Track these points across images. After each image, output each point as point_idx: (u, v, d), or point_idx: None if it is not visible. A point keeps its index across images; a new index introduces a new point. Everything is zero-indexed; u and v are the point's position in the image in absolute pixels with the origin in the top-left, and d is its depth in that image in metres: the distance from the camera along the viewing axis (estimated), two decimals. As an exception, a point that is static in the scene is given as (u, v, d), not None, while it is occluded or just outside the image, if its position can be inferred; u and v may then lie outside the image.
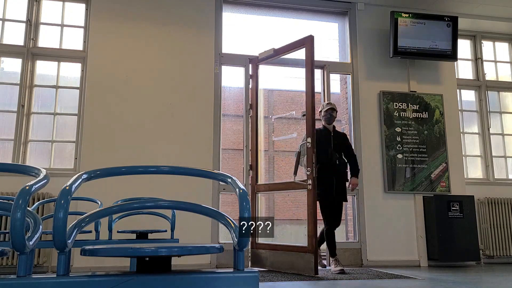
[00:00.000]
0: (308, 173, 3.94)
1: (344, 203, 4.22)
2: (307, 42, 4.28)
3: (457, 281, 3.38)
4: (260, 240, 4.38)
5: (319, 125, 4.33)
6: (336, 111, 4.34)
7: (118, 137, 4.38)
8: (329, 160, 4.15)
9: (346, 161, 4.26)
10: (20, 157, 4.32)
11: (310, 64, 4.19)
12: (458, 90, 5.61)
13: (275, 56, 4.60)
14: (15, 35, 4.57)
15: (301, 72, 4.58)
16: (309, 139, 3.98)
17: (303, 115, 4.19)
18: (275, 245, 4.26)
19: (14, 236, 1.00)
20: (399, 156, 4.93)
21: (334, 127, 4.34)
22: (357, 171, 4.30)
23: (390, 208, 4.83)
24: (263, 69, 4.91)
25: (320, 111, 4.37)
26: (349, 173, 4.28)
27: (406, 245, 4.78)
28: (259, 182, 4.54)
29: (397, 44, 5.00)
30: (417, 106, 5.10)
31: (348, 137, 4.55)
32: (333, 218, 4.09)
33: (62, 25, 4.70)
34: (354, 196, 4.83)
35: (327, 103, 4.34)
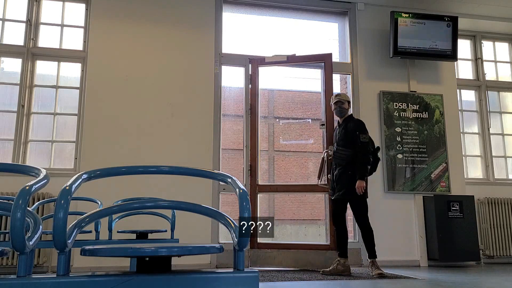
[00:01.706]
0: (330, 178, 4.24)
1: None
2: (327, 59, 4.62)
3: (457, 281, 3.38)
4: (269, 240, 4.48)
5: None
6: (348, 102, 4.07)
7: (118, 137, 4.38)
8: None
9: (349, 154, 3.89)
10: (20, 157, 4.32)
11: (330, 79, 4.57)
12: (458, 90, 5.61)
13: (286, 63, 4.79)
14: (15, 35, 4.57)
15: (302, 72, 4.61)
16: (330, 147, 4.30)
17: (322, 125, 4.44)
18: (292, 244, 4.42)
19: (14, 236, 1.00)
20: (399, 156, 4.93)
21: (349, 117, 4.06)
22: (360, 171, 3.79)
23: (390, 208, 4.83)
24: (263, 69, 4.91)
25: (331, 105, 4.19)
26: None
27: (406, 245, 4.78)
28: (259, 183, 4.57)
29: (397, 44, 5.00)
30: (417, 106, 5.10)
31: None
32: (357, 217, 3.89)
33: (62, 25, 4.70)
34: (354, 196, 4.82)
35: (335, 95, 4.09)
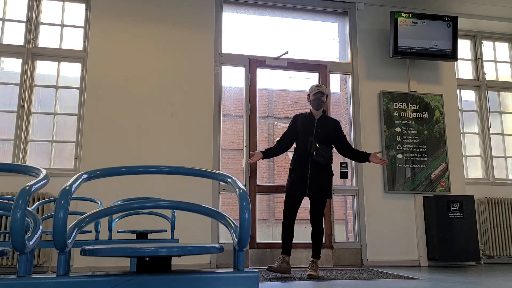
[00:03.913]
0: None
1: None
2: (322, 70, 4.82)
3: (457, 281, 3.38)
4: (269, 240, 4.51)
5: (307, 109, 3.99)
6: (327, 96, 3.91)
7: (118, 137, 4.38)
8: (307, 150, 3.75)
9: (330, 154, 3.78)
10: (20, 157, 4.32)
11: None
12: (458, 90, 5.61)
13: (285, 68, 4.92)
14: (15, 35, 4.57)
15: (302, 72, 4.68)
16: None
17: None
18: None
19: (14, 236, 1.00)
20: (399, 156, 4.93)
21: (324, 112, 3.92)
22: (363, 153, 3.80)
23: (390, 208, 4.83)
24: (263, 69, 4.93)
25: (309, 95, 3.94)
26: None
27: (406, 245, 4.78)
28: (258, 183, 4.58)
29: (397, 44, 5.00)
30: (417, 106, 5.10)
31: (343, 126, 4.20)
32: (311, 215, 3.75)
33: (62, 25, 4.70)
34: (354, 196, 4.83)
35: (316, 86, 3.89)
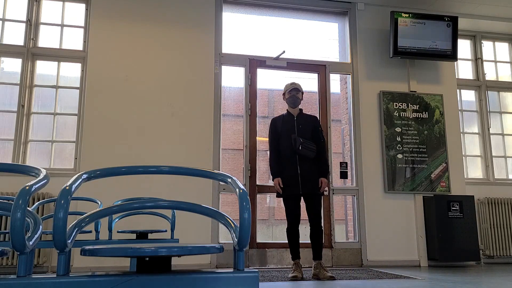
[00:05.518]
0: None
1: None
2: (321, 71, 4.87)
3: (457, 281, 3.38)
4: (269, 240, 4.52)
5: (307, 110, 3.94)
6: (302, 93, 3.91)
7: (118, 137, 4.38)
8: (292, 148, 3.74)
9: (315, 147, 3.77)
10: (20, 157, 4.32)
11: (324, 90, 4.86)
12: (458, 90, 5.61)
13: (285, 68, 4.93)
14: (15, 35, 4.57)
15: (302, 72, 4.68)
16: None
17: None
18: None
19: (14, 236, 1.00)
20: (399, 156, 4.93)
21: (300, 110, 3.93)
22: (325, 170, 3.78)
23: (390, 208, 4.83)
24: (264, 69, 4.94)
25: (284, 94, 3.96)
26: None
27: (406, 245, 4.78)
28: (258, 183, 4.58)
29: (397, 44, 5.00)
30: (417, 106, 5.10)
31: (320, 121, 4.16)
32: (309, 214, 3.68)
33: (62, 25, 4.70)
34: (354, 196, 4.83)
35: (291, 84, 3.91)
